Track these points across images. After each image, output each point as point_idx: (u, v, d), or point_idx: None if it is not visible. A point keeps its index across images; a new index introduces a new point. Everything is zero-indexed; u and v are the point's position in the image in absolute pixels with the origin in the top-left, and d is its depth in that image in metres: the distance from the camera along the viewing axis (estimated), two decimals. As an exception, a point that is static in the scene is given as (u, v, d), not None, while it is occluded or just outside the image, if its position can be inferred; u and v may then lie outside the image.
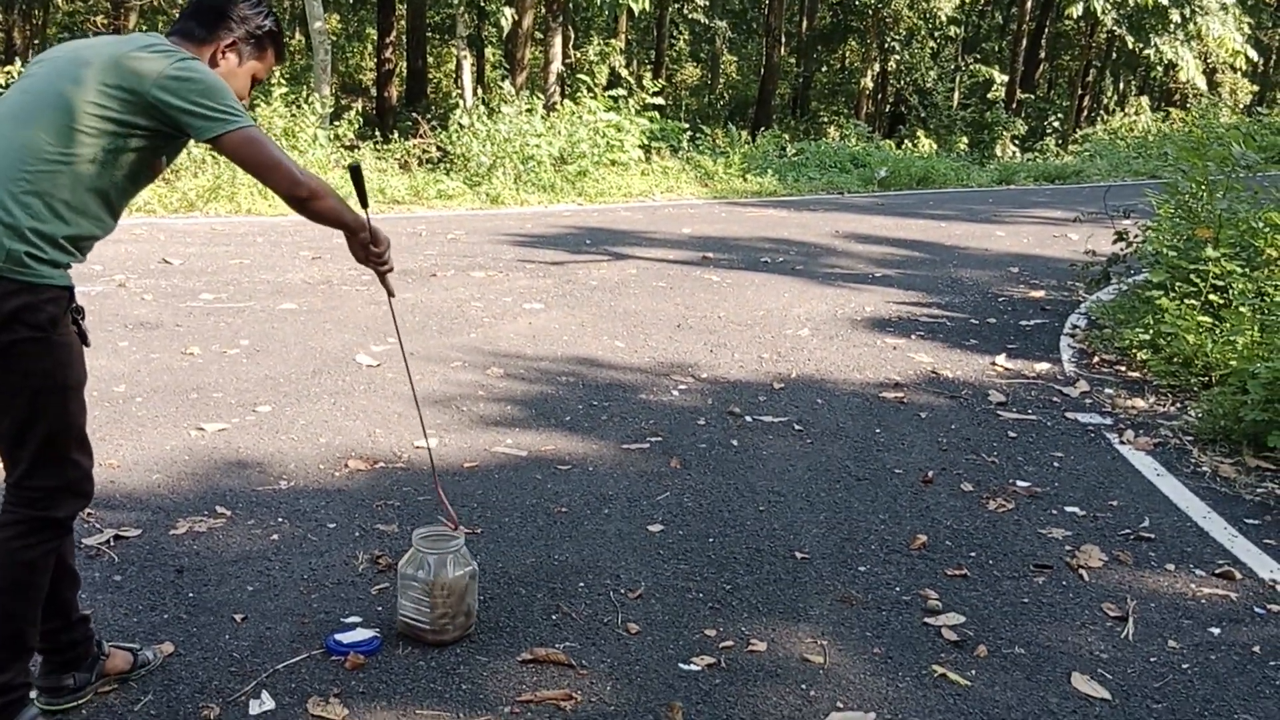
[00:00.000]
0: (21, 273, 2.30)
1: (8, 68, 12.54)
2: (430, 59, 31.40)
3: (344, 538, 3.78)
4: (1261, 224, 6.66)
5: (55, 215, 2.35)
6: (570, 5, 22.17)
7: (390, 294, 3.11)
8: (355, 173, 3.00)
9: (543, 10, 21.73)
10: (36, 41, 28.62)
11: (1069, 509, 4.36)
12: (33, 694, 2.65)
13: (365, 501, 4.10)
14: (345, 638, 3.03)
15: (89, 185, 2.41)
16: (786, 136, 22.74)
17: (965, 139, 26.67)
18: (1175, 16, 27.04)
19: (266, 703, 2.74)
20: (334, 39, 31.23)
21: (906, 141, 24.21)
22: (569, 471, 4.54)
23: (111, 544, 3.63)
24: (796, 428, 5.26)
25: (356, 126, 15.05)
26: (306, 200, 2.59)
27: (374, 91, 28.87)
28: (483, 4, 17.25)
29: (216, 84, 2.48)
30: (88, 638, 2.69)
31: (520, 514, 4.05)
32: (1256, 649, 3.28)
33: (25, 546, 2.43)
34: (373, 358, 6.05)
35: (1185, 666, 3.16)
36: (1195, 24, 27.42)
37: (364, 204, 3.04)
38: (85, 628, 2.69)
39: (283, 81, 14.47)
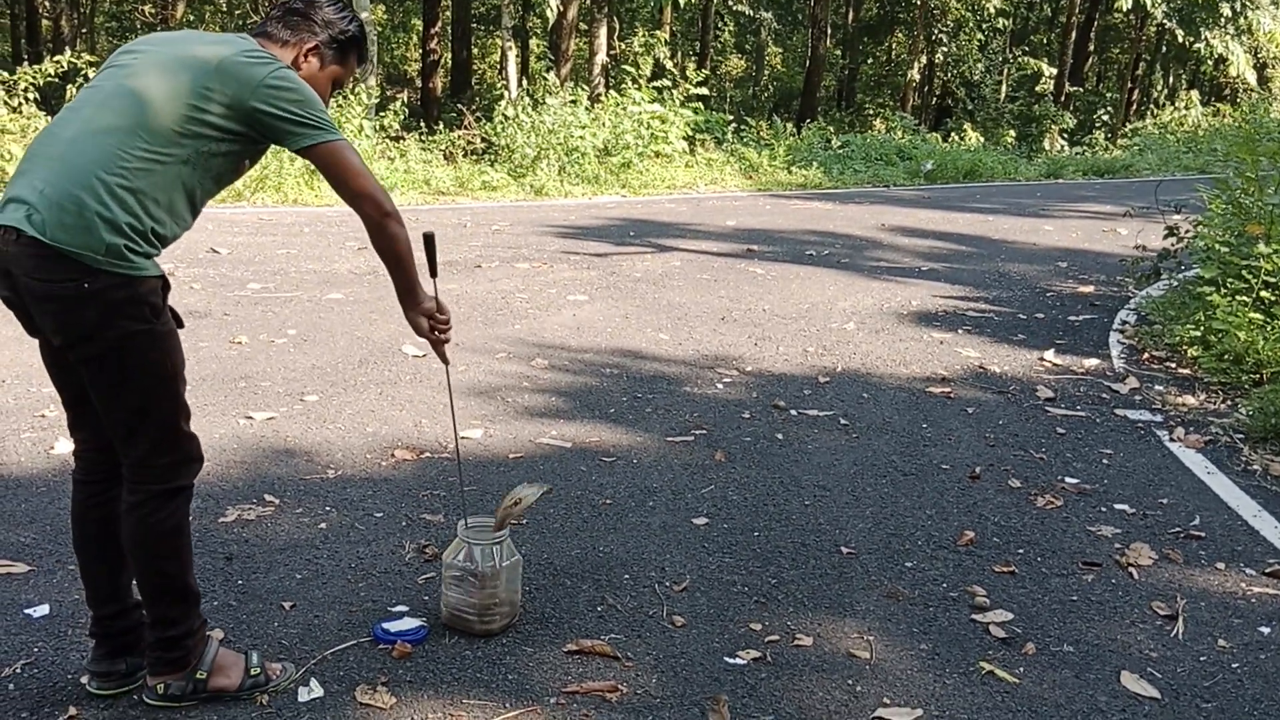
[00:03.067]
0: (122, 266, 2.35)
1: (58, 57, 12.70)
2: (475, 50, 31.52)
3: (391, 527, 3.81)
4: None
5: (147, 212, 2.39)
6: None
7: (445, 362, 3.02)
8: (429, 242, 2.99)
9: (588, 1, 21.74)
10: (84, 30, 28.97)
11: (1118, 506, 4.32)
12: (84, 679, 2.70)
13: (412, 491, 4.13)
14: (393, 626, 3.05)
15: (179, 185, 2.44)
16: (832, 129, 22.63)
17: (1013, 132, 26.39)
18: (1226, 10, 26.62)
19: (315, 690, 2.76)
20: (379, 30, 31.41)
21: (953, 134, 24.00)
22: (613, 464, 4.55)
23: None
24: (842, 422, 5.23)
25: (402, 117, 15.13)
26: (386, 220, 2.58)
27: (419, 83, 29.03)
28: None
29: (311, 94, 2.52)
30: (140, 624, 2.72)
31: (565, 506, 4.06)
32: (1310, 651, 3.23)
33: (166, 516, 2.55)
34: (419, 348, 6.08)
35: (1235, 666, 3.12)
36: (1246, 18, 26.99)
37: (433, 273, 3.02)
38: (139, 613, 2.73)
39: (329, 72, 14.55)
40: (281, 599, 3.26)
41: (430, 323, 2.85)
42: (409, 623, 3.09)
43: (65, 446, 4.42)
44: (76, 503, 2.68)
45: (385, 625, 3.06)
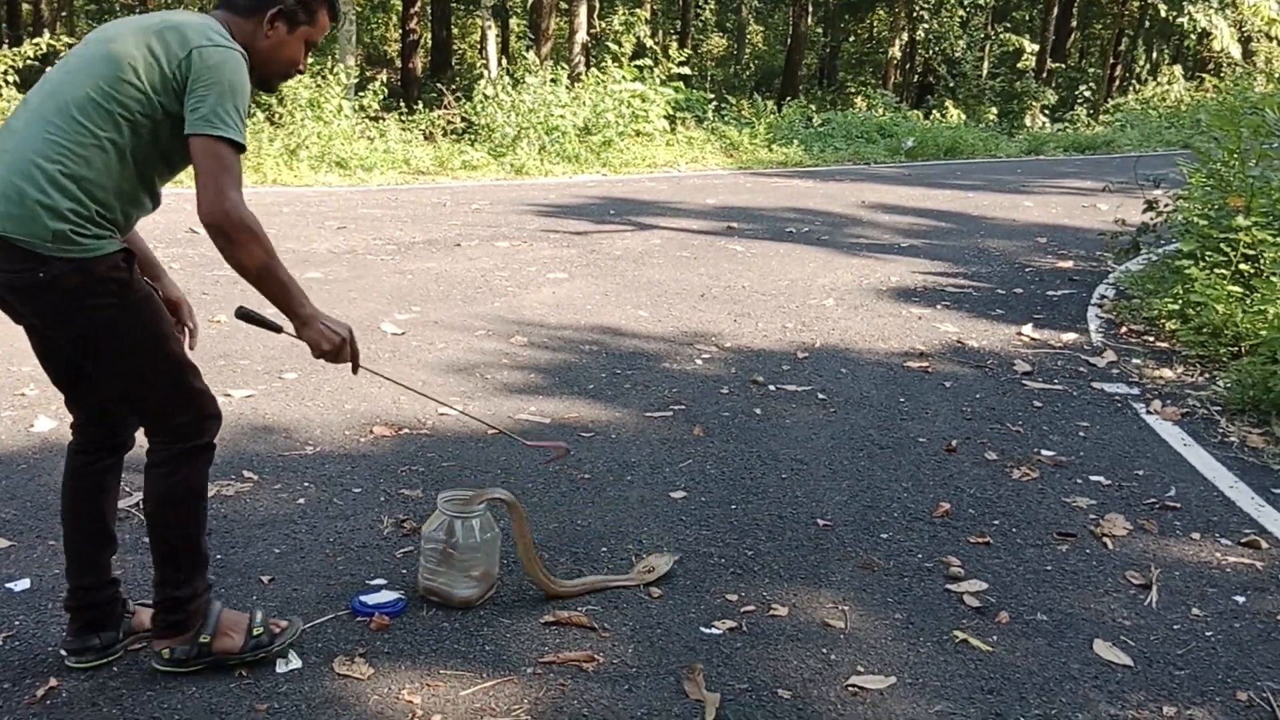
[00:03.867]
0: (73, 250, 2.33)
1: (36, 40, 12.59)
2: (455, 30, 31.32)
3: (369, 502, 3.81)
4: (1294, 193, 6.58)
5: (91, 196, 2.35)
6: (596, -25, 22.03)
7: (355, 369, 2.78)
8: (249, 318, 2.83)
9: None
10: (64, 14, 28.72)
11: (1094, 478, 4.34)
12: (63, 653, 2.70)
13: (390, 467, 4.13)
14: (370, 599, 3.06)
15: (126, 166, 2.41)
16: (813, 107, 22.60)
17: (994, 109, 26.41)
18: (1210, -17, 26.65)
19: (293, 662, 2.77)
20: (358, 10, 31.18)
21: (934, 112, 23.99)
22: (592, 439, 4.56)
23: (140, 506, 3.66)
24: (820, 397, 5.25)
25: (381, 97, 15.05)
26: (232, 234, 2.38)
27: (399, 63, 28.84)
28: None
29: (238, 83, 2.41)
30: (115, 599, 2.74)
31: (544, 480, 4.07)
32: (1281, 617, 3.26)
33: (189, 475, 2.59)
34: (397, 326, 6.07)
35: (1209, 634, 3.15)
36: (1230, -9, 27.02)
37: (277, 329, 2.83)
38: (115, 589, 2.74)
39: (308, 52, 14.44)
40: (260, 573, 3.26)
41: (329, 345, 2.64)
42: (386, 595, 3.09)
43: (45, 424, 4.41)
44: (68, 471, 2.70)
45: (363, 598, 3.07)
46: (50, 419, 4.46)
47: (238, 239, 2.39)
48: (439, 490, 3.79)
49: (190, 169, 2.44)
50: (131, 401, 2.57)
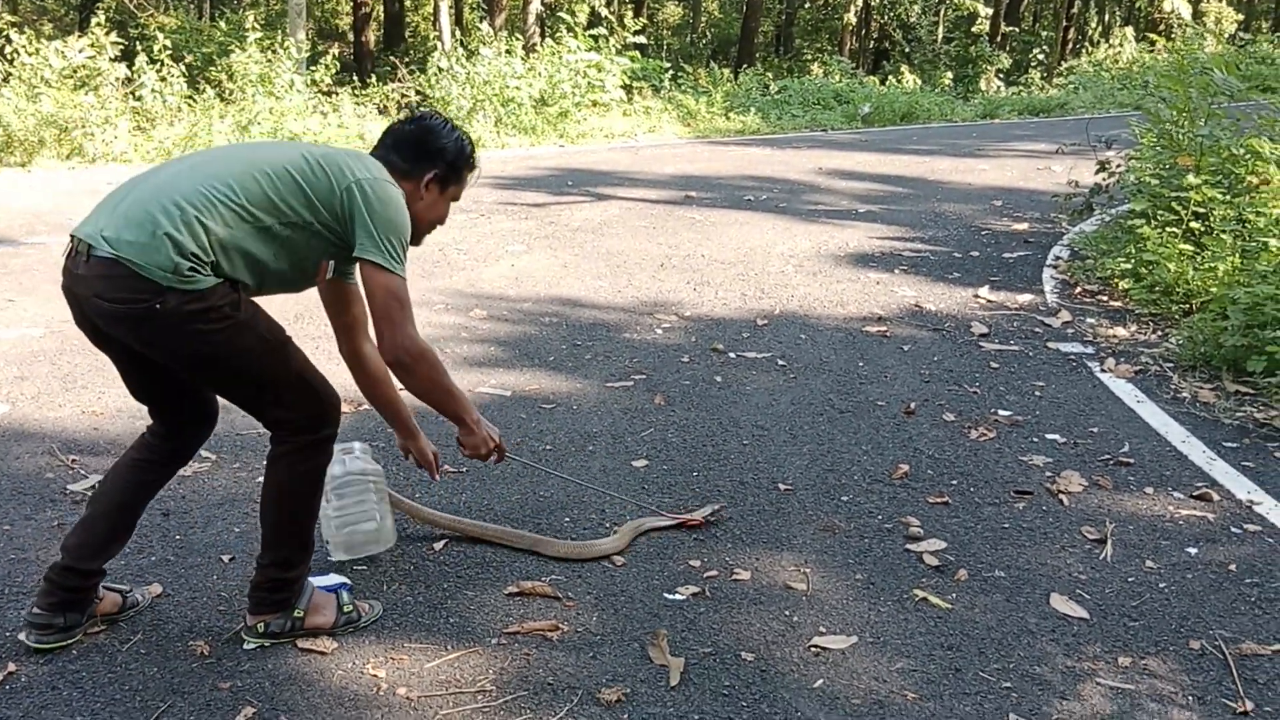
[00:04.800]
0: (188, 282, 2.40)
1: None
2: (408, 2, 30.97)
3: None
4: (1243, 151, 6.66)
5: (214, 248, 2.44)
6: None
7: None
8: None
9: (520, -51, 21.44)
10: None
11: (1050, 436, 4.40)
12: (23, 634, 2.68)
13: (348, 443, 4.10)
14: (320, 581, 2.99)
15: (253, 245, 2.50)
16: (770, 74, 22.58)
17: (949, 74, 26.47)
18: (1159, -56, 26.79)
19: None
20: (309, -17, 30.72)
21: (890, 77, 24.03)
22: (553, 410, 4.56)
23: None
24: (780, 363, 5.28)
25: (334, 71, 14.87)
26: (412, 366, 2.65)
27: (351, 36, 28.50)
28: (459, -56, 16.96)
29: (402, 221, 2.61)
30: (93, 588, 2.75)
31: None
32: (1233, 567, 3.33)
33: (313, 466, 2.70)
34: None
35: (1162, 585, 3.21)
36: (1179, -49, 27.19)
37: None
38: (100, 579, 2.76)
39: (257, 27, 14.26)
40: (220, 552, 3.25)
41: (486, 450, 3.03)
42: (333, 579, 3.04)
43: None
44: (127, 464, 2.77)
45: (315, 581, 3.00)
46: (2, 403, 4.40)
47: (417, 371, 2.68)
48: (399, 465, 3.79)
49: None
50: (255, 409, 2.67)
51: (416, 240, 2.80)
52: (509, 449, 3.26)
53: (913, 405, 4.70)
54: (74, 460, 3.84)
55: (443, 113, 2.90)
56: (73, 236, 2.47)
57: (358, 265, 2.63)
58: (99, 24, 12.84)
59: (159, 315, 2.40)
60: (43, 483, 3.69)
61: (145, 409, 2.79)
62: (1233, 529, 3.60)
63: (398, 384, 2.86)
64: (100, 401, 4.45)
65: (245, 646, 2.72)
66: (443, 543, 3.35)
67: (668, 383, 4.95)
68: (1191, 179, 6.52)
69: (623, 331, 5.75)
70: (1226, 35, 32.68)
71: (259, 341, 2.57)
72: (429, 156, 2.78)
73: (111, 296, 2.40)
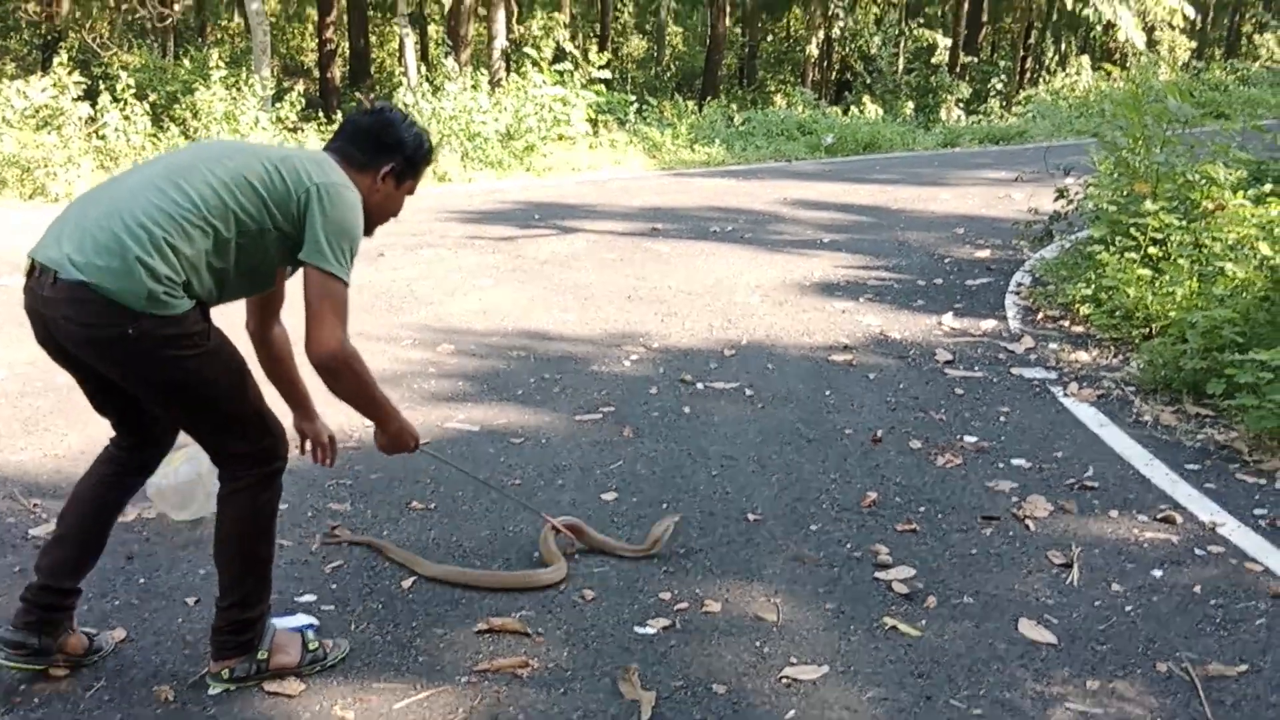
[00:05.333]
0: (161, 308, 2.40)
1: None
2: (373, 38, 31.03)
3: (297, 518, 3.77)
4: (1198, 177, 6.76)
5: (184, 269, 2.44)
6: (511, -20, 21.94)
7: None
8: None
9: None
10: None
11: (1015, 462, 4.43)
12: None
13: (317, 481, 4.08)
14: (284, 622, 2.97)
15: (214, 255, 2.50)
16: (734, 106, 22.73)
17: (911, 104, 26.74)
18: (1113, -25, 27.22)
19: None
20: (274, 20, 30.77)
21: (853, 108, 24.25)
22: (522, 444, 4.56)
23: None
24: (748, 393, 5.29)
25: (299, 108, 14.87)
26: (339, 370, 2.61)
27: (317, 73, 28.50)
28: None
29: (353, 225, 2.61)
30: (71, 609, 2.74)
31: (474, 488, 4.04)
32: (1197, 589, 3.36)
33: (270, 497, 2.69)
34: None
35: (1129, 609, 3.23)
36: (1133, -18, 27.63)
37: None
38: (75, 600, 2.76)
39: (221, 65, 14.25)
40: (185, 595, 3.22)
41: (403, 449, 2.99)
42: (302, 619, 3.03)
43: (-46, 454, 4.29)
44: (93, 478, 2.80)
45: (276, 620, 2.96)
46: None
47: (343, 374, 2.63)
48: (367, 503, 3.78)
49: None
50: (212, 441, 2.66)
51: (369, 231, 2.78)
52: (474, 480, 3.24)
53: (879, 433, 4.73)
54: (35, 504, 3.79)
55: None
56: (33, 259, 2.44)
57: None
58: (61, 63, 12.79)
59: (131, 340, 2.39)
60: (3, 527, 3.64)
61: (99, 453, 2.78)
62: (1196, 551, 3.64)
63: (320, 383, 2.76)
64: (62, 444, 4.41)
65: (210, 692, 2.69)
66: (411, 580, 3.33)
67: (636, 414, 4.95)
68: (1149, 205, 6.61)
69: (591, 364, 5.76)
70: (1180, 63, 33.24)
71: (225, 371, 2.57)
72: (387, 149, 2.77)
73: (81, 320, 2.39)
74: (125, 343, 2.40)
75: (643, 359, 5.87)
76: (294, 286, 2.76)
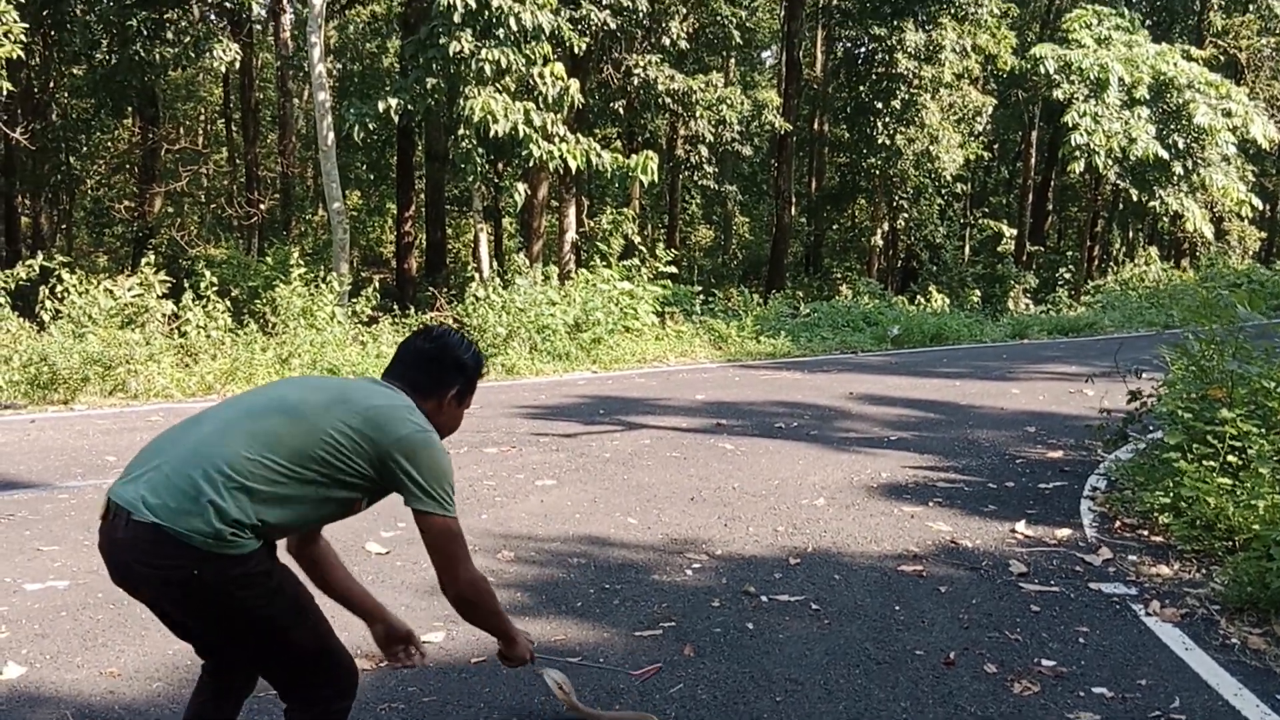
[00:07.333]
0: (230, 548, 2.47)
1: (30, 261, 12.86)
2: (450, 230, 32.13)
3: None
4: (1273, 384, 6.62)
5: (257, 511, 2.52)
6: (583, 176, 22.71)
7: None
8: None
9: (557, 181, 22.32)
10: (64, 226, 29.40)
11: (1096, 690, 4.22)
12: None
13: (369, 704, 3.99)
14: None
15: (294, 501, 2.58)
16: (800, 294, 23.01)
17: (977, 293, 26.88)
18: (1178, 169, 27.49)
19: None
20: (355, 214, 32.08)
21: (919, 297, 24.42)
22: (579, 666, 4.44)
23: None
24: (814, 607, 5.15)
25: (375, 301, 15.31)
26: (475, 601, 2.85)
27: (394, 264, 29.47)
28: (498, 181, 17.70)
29: (445, 466, 2.75)
30: None
31: (529, 715, 3.93)
32: (1300, 847, 3.11)
33: None
34: (382, 544, 5.99)
35: None
36: (1198, 175, 27.87)
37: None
38: None
39: (301, 263, 14.78)
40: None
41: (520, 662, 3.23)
42: None
43: (15, 670, 4.28)
44: (193, 707, 2.91)
45: None
46: (19, 664, 4.33)
47: (478, 603, 2.88)
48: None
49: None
50: (280, 680, 2.71)
51: None
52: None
53: (952, 655, 4.55)
54: (88, 725, 3.75)
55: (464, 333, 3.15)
56: (109, 499, 2.51)
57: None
58: (149, 263, 13.34)
59: (197, 580, 2.43)
60: (53, 751, 3.59)
61: (155, 671, 2.84)
62: (1296, 800, 3.39)
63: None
64: (119, 660, 4.37)
65: None
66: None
67: (697, 630, 4.83)
68: (1226, 413, 6.46)
69: (652, 573, 5.66)
70: (1251, 253, 33.17)
71: (292, 611, 2.61)
72: (449, 374, 2.92)
73: (151, 562, 2.44)
74: (191, 583, 2.44)
75: (705, 567, 5.76)
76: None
